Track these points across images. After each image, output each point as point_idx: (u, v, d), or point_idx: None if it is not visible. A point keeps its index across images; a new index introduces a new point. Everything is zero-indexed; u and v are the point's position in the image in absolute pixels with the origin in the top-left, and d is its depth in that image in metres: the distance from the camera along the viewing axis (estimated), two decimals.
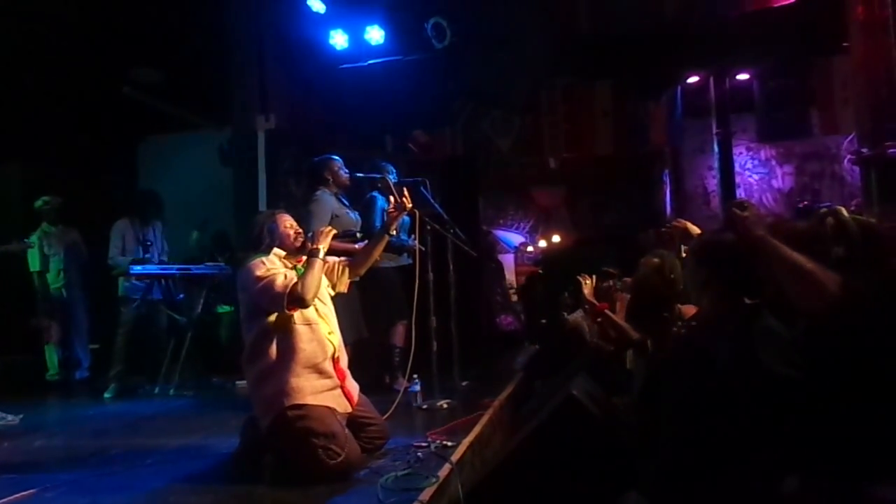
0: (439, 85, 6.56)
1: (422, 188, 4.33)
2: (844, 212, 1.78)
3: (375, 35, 6.00)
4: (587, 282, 3.58)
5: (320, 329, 2.72)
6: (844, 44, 5.18)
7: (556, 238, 12.78)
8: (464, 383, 4.44)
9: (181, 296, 5.50)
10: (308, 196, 4.30)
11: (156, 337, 5.42)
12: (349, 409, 2.74)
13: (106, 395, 5.06)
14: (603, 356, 4.02)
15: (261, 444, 2.68)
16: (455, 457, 2.69)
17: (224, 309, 6.71)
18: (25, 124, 6.52)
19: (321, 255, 2.74)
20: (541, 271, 9.40)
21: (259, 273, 2.63)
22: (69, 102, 6.70)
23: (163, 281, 5.36)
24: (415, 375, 3.90)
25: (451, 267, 4.33)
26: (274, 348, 2.63)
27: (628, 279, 3.88)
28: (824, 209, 1.84)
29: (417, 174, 4.71)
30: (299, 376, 2.59)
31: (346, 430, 2.62)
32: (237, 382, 5.36)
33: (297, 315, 2.65)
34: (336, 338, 2.80)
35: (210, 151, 6.82)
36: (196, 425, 3.86)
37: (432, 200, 4.34)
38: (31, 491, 2.52)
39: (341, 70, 6.20)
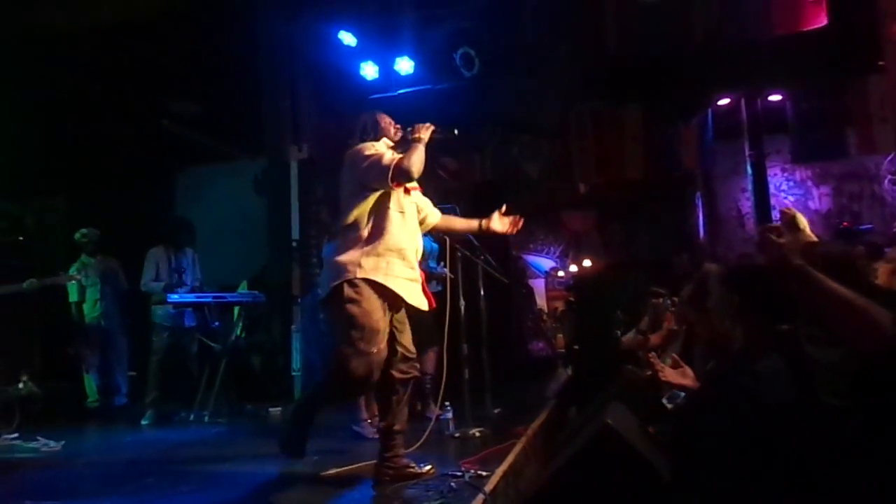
0: (468, 112, 6.63)
1: (452, 215, 4.35)
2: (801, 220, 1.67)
3: (405, 66, 6.10)
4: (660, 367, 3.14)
5: (411, 222, 2.94)
6: (880, 63, 5.10)
7: (587, 262, 12.66)
8: (496, 411, 4.40)
9: (216, 323, 5.59)
10: None
11: (187, 364, 5.50)
12: (425, 308, 2.93)
13: (143, 421, 5.15)
14: (636, 383, 3.94)
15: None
16: (489, 487, 2.65)
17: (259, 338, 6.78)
18: (70, 159, 6.78)
19: (423, 142, 2.86)
20: (572, 298, 9.31)
21: (368, 152, 2.83)
22: (111, 137, 6.95)
23: (192, 308, 5.45)
24: (447, 403, 3.88)
25: (482, 293, 4.33)
26: (368, 227, 2.80)
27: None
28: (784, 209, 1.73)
29: (447, 201, 4.74)
30: (381, 255, 2.77)
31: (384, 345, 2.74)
32: (270, 410, 5.40)
33: (392, 202, 2.84)
34: (420, 241, 3.01)
35: (244, 181, 6.98)
36: (230, 453, 3.90)
37: None
38: None
39: (371, 100, 6.31)
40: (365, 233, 2.79)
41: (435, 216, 3.26)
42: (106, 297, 5.93)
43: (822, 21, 5.42)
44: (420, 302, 2.90)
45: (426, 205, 3.22)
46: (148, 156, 7.56)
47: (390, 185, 2.78)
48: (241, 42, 5.99)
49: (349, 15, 6.05)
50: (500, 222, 3.29)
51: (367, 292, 2.71)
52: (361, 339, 2.65)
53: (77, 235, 5.96)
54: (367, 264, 2.73)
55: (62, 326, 6.09)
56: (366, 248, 2.76)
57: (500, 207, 3.32)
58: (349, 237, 2.81)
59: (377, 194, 2.83)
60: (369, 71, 6.18)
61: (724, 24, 5.83)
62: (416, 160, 2.78)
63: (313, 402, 2.88)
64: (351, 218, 2.82)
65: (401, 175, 2.76)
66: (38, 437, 4.20)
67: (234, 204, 7.36)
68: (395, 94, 6.23)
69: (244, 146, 7.55)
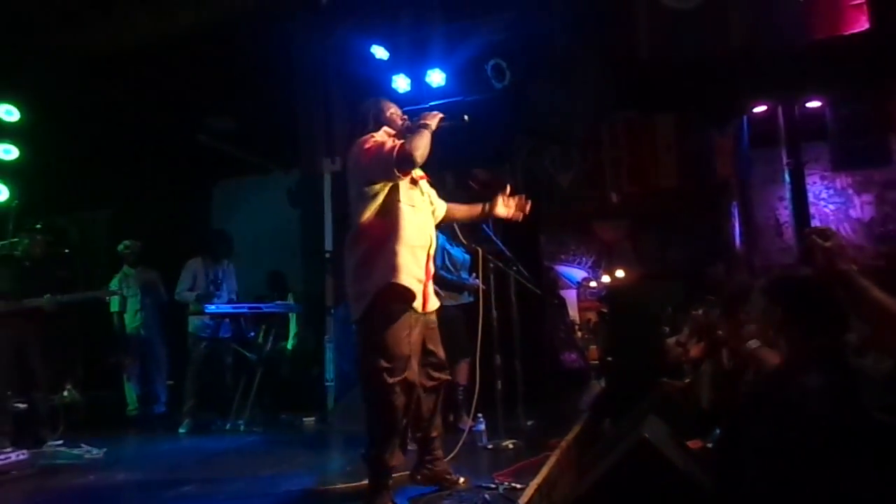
0: (499, 123, 6.63)
1: (483, 226, 4.36)
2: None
3: (436, 78, 6.14)
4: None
5: (423, 216, 2.79)
6: None
7: (619, 273, 12.51)
8: (529, 423, 4.37)
9: (252, 333, 5.67)
10: None
11: (223, 374, 5.59)
12: (420, 310, 2.74)
13: (181, 430, 5.24)
14: (673, 396, 3.87)
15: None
16: (523, 500, 2.64)
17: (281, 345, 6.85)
18: (112, 174, 6.99)
19: (429, 129, 2.71)
20: (605, 309, 9.19)
21: (368, 145, 2.68)
22: (151, 151, 7.14)
23: (228, 319, 5.55)
24: (479, 414, 3.86)
25: (514, 304, 4.31)
26: (380, 226, 2.66)
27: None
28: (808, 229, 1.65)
29: None
30: (400, 254, 2.63)
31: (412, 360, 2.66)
32: (304, 419, 5.45)
33: (402, 194, 2.69)
34: (434, 235, 2.86)
35: (279, 193, 7.09)
36: (265, 462, 3.95)
37: (494, 237, 4.35)
38: None
39: (403, 112, 6.35)
40: (380, 234, 2.65)
41: (442, 208, 3.09)
42: (146, 307, 6.07)
43: (864, 25, 5.29)
44: (420, 305, 2.73)
45: (433, 196, 3.03)
46: (186, 169, 7.75)
47: (396, 174, 2.62)
48: (276, 58, 6.10)
49: (381, 29, 6.12)
50: (503, 206, 3.10)
51: (394, 303, 2.61)
52: (390, 369, 2.56)
53: (120, 247, 6.13)
54: (388, 269, 2.60)
55: (104, 336, 6.25)
56: (384, 254, 2.62)
57: (503, 190, 3.12)
58: (365, 245, 2.67)
59: (385, 191, 2.68)
60: (401, 84, 6.24)
61: (761, 28, 5.72)
62: (420, 144, 2.60)
63: (374, 451, 2.66)
64: (363, 219, 2.67)
65: (404, 161, 2.58)
66: (82, 444, 4.31)
67: (269, 215, 7.49)
68: (427, 105, 6.25)
69: (278, 159, 7.68)
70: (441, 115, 2.80)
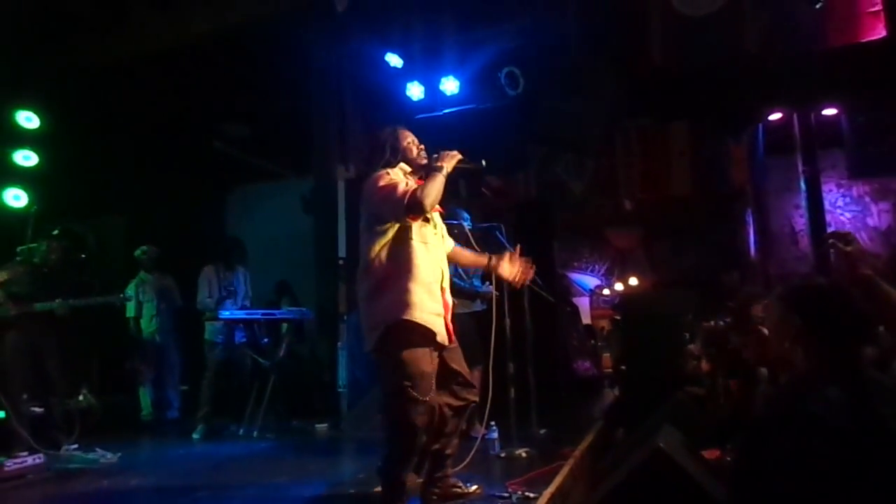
0: (513, 131, 6.63)
1: (497, 233, 4.36)
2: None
3: (450, 86, 6.16)
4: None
5: (435, 251, 2.78)
6: None
7: (633, 281, 12.44)
8: (542, 431, 4.35)
9: (265, 340, 5.70)
10: None
11: (240, 379, 5.61)
12: (446, 343, 2.74)
13: (194, 435, 5.27)
14: (689, 405, 3.84)
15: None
16: None
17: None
18: (129, 180, 7.07)
19: (444, 172, 2.68)
20: (618, 317, 9.13)
21: (382, 183, 2.67)
22: (167, 158, 7.22)
23: (243, 325, 5.57)
24: (492, 422, 3.85)
25: (527, 312, 4.30)
26: (391, 262, 2.66)
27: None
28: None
29: (492, 219, 4.75)
30: (410, 292, 2.62)
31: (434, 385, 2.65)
32: (317, 426, 5.46)
33: (414, 232, 2.69)
34: (446, 268, 2.85)
35: (292, 200, 7.13)
36: (277, 468, 3.96)
37: (507, 245, 4.34)
38: None
39: (417, 120, 6.38)
40: (390, 270, 2.65)
41: (448, 245, 3.04)
42: (161, 313, 6.12)
43: (881, 32, 5.24)
44: (444, 338, 2.72)
45: (444, 230, 3.00)
46: (201, 175, 7.82)
47: (405, 218, 2.64)
48: (291, 65, 6.15)
49: (396, 37, 6.15)
50: (509, 267, 3.02)
51: (410, 336, 2.61)
52: (413, 387, 2.55)
53: (137, 252, 6.19)
54: (399, 305, 2.60)
55: (120, 341, 6.30)
56: (395, 289, 2.62)
57: (518, 245, 3.08)
58: (375, 279, 2.67)
59: (395, 228, 2.68)
60: (415, 91, 6.27)
61: (776, 35, 5.68)
62: (432, 192, 2.60)
63: (391, 468, 2.67)
64: (372, 254, 2.67)
65: (414, 207, 2.59)
66: (97, 449, 4.34)
67: (283, 222, 7.53)
68: (441, 113, 6.28)
69: (293, 166, 7.73)
70: (459, 157, 2.77)
